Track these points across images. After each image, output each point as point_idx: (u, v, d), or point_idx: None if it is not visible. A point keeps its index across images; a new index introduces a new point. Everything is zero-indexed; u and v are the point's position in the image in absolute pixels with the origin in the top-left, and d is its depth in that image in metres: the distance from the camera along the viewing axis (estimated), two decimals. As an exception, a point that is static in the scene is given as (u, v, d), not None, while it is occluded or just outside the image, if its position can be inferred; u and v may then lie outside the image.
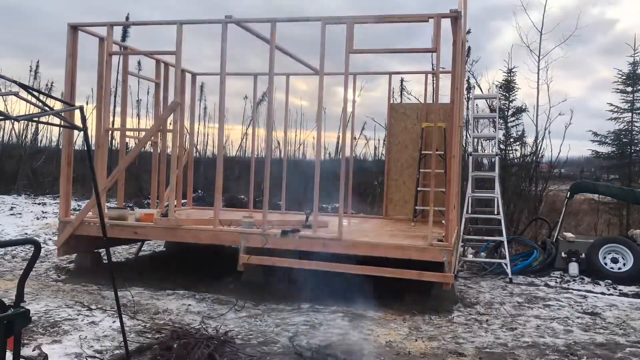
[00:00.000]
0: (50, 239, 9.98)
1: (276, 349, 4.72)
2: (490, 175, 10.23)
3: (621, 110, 13.28)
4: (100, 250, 8.03)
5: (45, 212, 12.89)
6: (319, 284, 6.74)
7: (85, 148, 3.58)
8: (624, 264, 8.48)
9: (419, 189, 9.45)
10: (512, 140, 12.79)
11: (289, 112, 11.33)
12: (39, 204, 14.20)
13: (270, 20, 7.14)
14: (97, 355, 4.35)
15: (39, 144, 19.62)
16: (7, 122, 17.24)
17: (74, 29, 7.79)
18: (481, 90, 13.23)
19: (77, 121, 5.78)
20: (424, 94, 10.59)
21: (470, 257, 9.39)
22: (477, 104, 13.14)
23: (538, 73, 12.69)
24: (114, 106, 15.34)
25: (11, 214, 12.32)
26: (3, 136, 18.80)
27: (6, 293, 6.09)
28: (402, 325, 5.63)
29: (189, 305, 6.09)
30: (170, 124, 8.11)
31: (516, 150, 13.07)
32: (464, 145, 10.82)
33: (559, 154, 12.91)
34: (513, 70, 12.60)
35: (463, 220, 8.87)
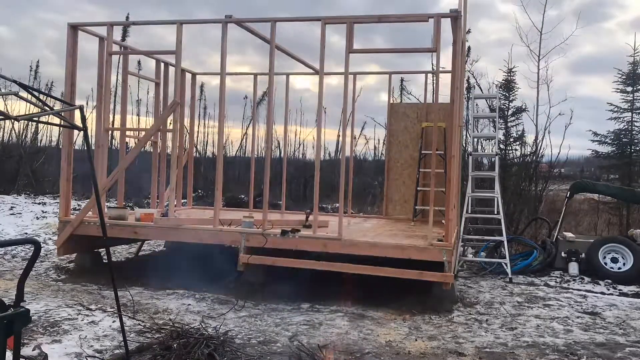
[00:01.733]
0: (50, 239, 9.98)
1: (276, 348, 4.72)
2: (490, 175, 10.23)
3: (621, 110, 13.27)
4: (100, 250, 8.03)
5: (45, 212, 12.88)
6: (318, 283, 6.75)
7: (85, 148, 3.58)
8: (624, 264, 8.48)
9: (418, 188, 9.45)
10: (512, 140, 12.78)
11: (289, 111, 11.33)
12: (39, 203, 14.19)
13: (270, 19, 7.14)
14: (97, 354, 4.35)
15: (39, 144, 19.59)
16: (7, 121, 17.23)
17: (74, 28, 7.79)
18: (481, 90, 13.23)
19: (77, 121, 5.78)
20: (424, 93, 10.60)
21: (470, 257, 9.39)
22: (477, 104, 13.13)
23: (538, 73, 12.69)
24: (114, 106, 15.34)
25: (11, 214, 12.31)
26: (3, 136, 18.80)
27: (6, 293, 6.09)
28: (402, 324, 5.63)
29: (189, 305, 6.09)
30: (170, 123, 8.11)
31: (516, 150, 13.05)
32: (464, 145, 10.82)
33: (558, 153, 12.91)
34: (513, 70, 12.60)
35: (463, 220, 8.87)
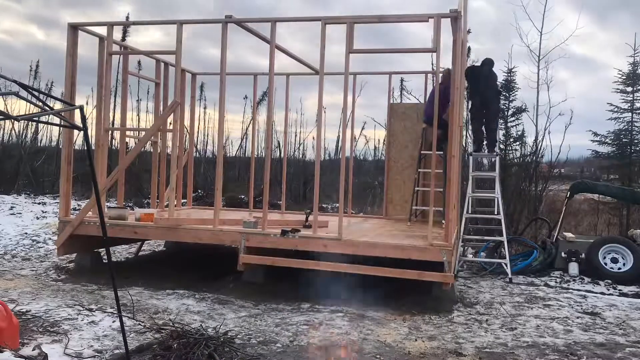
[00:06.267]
0: (50, 239, 9.98)
1: (275, 348, 4.72)
2: (490, 176, 10.23)
3: (621, 110, 13.28)
4: (100, 250, 8.03)
5: (45, 212, 12.87)
6: (319, 283, 6.75)
7: (85, 148, 3.59)
8: (624, 264, 8.48)
9: (417, 188, 9.44)
10: (512, 140, 12.79)
11: (289, 111, 11.32)
12: (39, 203, 14.18)
13: (271, 20, 7.15)
14: (97, 354, 4.35)
15: (38, 144, 19.57)
16: (7, 121, 17.22)
17: (74, 28, 7.79)
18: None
19: (77, 121, 5.78)
20: (424, 93, 10.58)
21: (470, 257, 9.39)
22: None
23: (538, 73, 12.67)
24: (114, 106, 15.33)
25: (11, 214, 12.30)
26: (3, 136, 18.78)
27: (6, 292, 6.09)
28: (402, 325, 5.63)
29: (189, 305, 6.09)
30: (170, 123, 8.11)
31: (516, 150, 13.07)
32: (464, 145, 10.82)
33: (558, 154, 12.90)
34: (513, 70, 12.59)
35: (463, 220, 8.86)
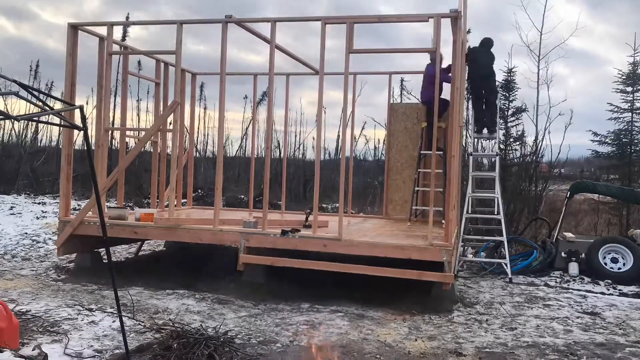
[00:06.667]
0: (50, 239, 9.98)
1: (275, 348, 4.72)
2: (490, 176, 10.22)
3: (621, 110, 13.28)
4: (100, 249, 8.03)
5: (45, 212, 12.87)
6: (318, 283, 6.75)
7: (85, 147, 3.59)
8: (624, 264, 8.48)
9: (417, 188, 9.44)
10: (512, 140, 12.79)
11: (289, 111, 11.32)
12: (39, 203, 14.18)
13: (271, 20, 7.15)
14: (97, 354, 4.35)
15: (38, 144, 19.58)
16: (7, 121, 17.22)
17: (74, 28, 7.79)
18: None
19: (77, 121, 5.78)
20: (424, 94, 10.56)
21: (470, 257, 9.39)
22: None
23: (538, 73, 12.67)
24: (114, 106, 15.33)
25: (11, 214, 12.30)
26: (3, 136, 18.79)
27: (6, 293, 6.09)
28: (402, 325, 5.63)
29: (189, 305, 6.09)
30: (170, 123, 8.11)
31: (516, 150, 13.07)
32: (464, 145, 10.81)
33: (558, 153, 12.90)
34: (513, 70, 12.59)
35: (463, 220, 8.87)
